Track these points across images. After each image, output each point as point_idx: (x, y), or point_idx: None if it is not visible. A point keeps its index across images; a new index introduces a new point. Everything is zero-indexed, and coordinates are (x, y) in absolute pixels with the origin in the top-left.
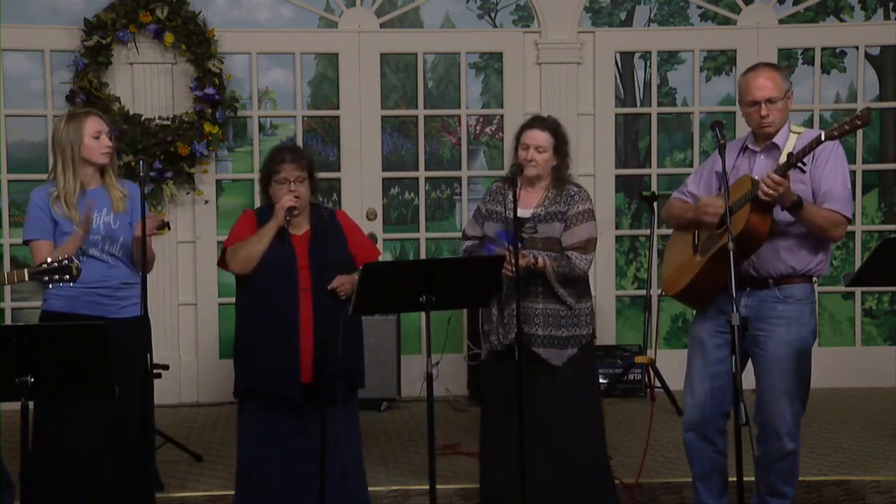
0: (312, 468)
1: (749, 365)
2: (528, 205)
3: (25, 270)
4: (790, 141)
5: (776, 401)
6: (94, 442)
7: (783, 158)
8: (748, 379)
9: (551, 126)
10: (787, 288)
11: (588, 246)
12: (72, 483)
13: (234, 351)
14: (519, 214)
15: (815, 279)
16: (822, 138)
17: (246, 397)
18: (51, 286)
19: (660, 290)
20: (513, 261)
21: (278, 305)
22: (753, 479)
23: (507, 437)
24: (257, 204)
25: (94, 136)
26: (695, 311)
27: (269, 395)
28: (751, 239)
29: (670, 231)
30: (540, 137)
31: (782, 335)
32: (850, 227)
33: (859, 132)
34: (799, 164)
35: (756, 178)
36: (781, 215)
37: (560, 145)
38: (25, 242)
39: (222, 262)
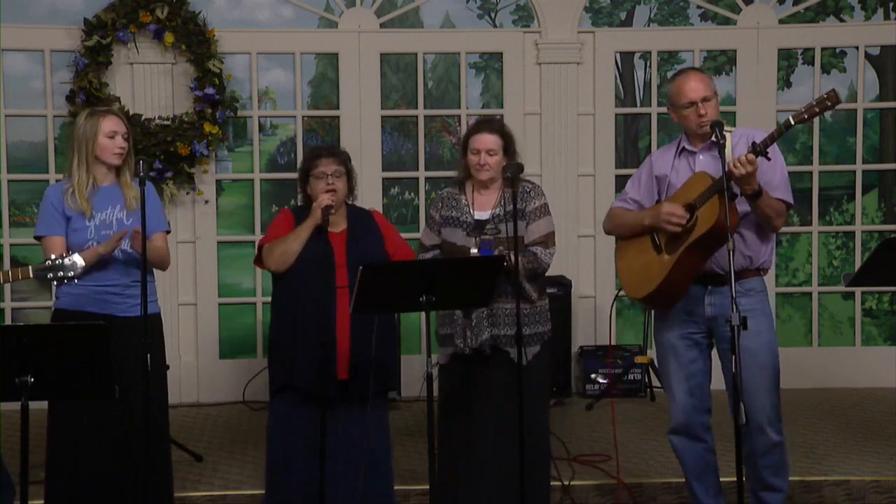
0: (340, 468)
1: (717, 363)
2: (485, 206)
3: (30, 267)
4: (727, 138)
5: (756, 395)
6: (108, 441)
7: (728, 153)
8: (717, 379)
9: (498, 128)
10: (745, 282)
11: (548, 240)
12: (89, 483)
13: (269, 348)
14: (476, 217)
15: (764, 272)
16: (792, 122)
17: (279, 394)
18: (55, 283)
19: (618, 291)
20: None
21: (315, 303)
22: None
23: (466, 440)
24: (257, 204)
25: (109, 136)
26: (655, 318)
27: (304, 392)
28: (722, 233)
29: None
30: (489, 140)
31: (750, 327)
32: (850, 227)
33: (859, 132)
34: (765, 153)
35: (711, 174)
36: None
37: (509, 145)
38: (38, 238)
39: (258, 260)
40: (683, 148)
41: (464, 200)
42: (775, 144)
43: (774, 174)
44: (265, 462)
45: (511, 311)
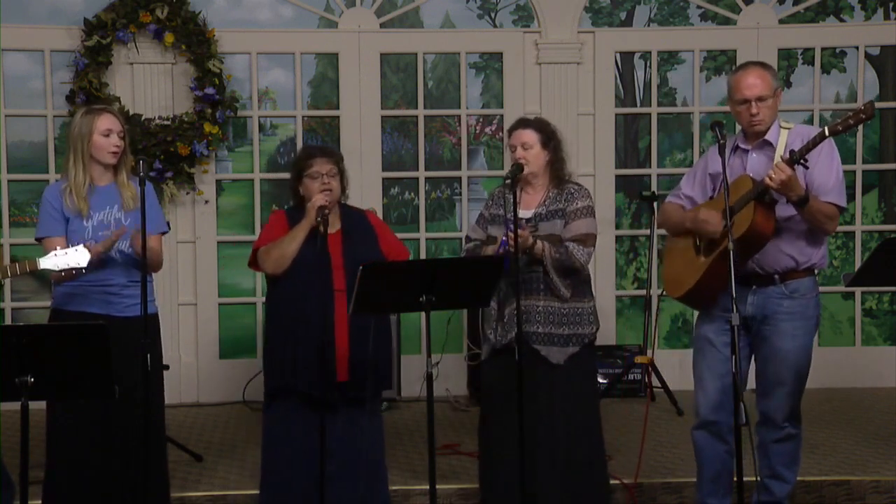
0: (336, 469)
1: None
2: (530, 205)
3: (38, 260)
4: (781, 136)
5: (777, 394)
6: (106, 441)
7: (780, 153)
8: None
9: (534, 123)
10: (792, 283)
11: (587, 240)
12: (87, 483)
13: (265, 351)
14: (521, 216)
15: (817, 272)
16: (827, 133)
17: (274, 397)
18: (63, 274)
19: (661, 291)
20: (513, 243)
21: (313, 305)
22: (753, 478)
23: (506, 435)
24: (257, 204)
25: (104, 134)
26: (696, 312)
27: (303, 395)
28: (756, 238)
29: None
30: (525, 135)
31: (788, 330)
32: (850, 227)
33: (859, 132)
34: (802, 161)
35: (752, 175)
36: (779, 211)
37: (548, 139)
38: (38, 240)
39: (253, 263)
40: (737, 146)
41: (511, 198)
42: (833, 144)
43: (829, 177)
44: (261, 464)
45: (542, 309)
